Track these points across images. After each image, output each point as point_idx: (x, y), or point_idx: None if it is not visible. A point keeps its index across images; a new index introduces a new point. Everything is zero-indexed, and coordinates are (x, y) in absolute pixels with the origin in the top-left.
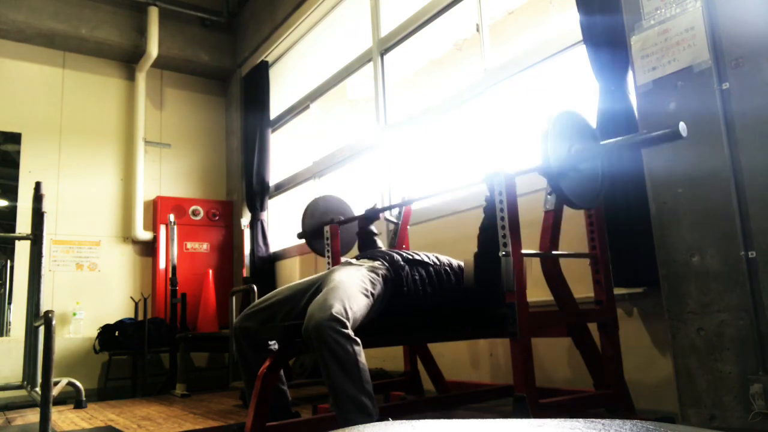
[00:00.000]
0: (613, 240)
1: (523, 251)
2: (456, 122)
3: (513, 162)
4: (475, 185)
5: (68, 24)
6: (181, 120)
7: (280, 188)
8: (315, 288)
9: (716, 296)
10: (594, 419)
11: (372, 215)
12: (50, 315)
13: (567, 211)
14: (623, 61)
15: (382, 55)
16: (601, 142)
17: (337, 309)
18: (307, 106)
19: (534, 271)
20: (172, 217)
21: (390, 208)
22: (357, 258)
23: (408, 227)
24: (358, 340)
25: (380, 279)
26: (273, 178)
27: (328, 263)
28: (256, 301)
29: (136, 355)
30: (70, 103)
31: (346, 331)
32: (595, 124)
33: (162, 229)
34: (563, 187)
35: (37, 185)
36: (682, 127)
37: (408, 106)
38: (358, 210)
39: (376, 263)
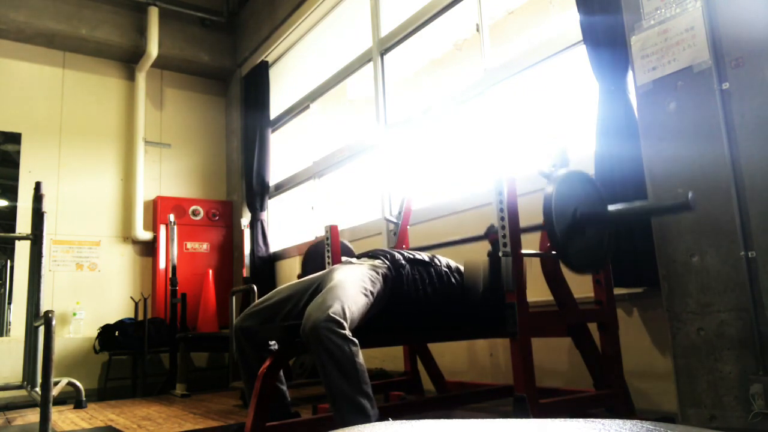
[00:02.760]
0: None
1: (523, 251)
2: (456, 122)
3: (513, 162)
4: (475, 185)
5: (68, 24)
6: (181, 120)
7: (280, 188)
8: (315, 287)
9: (716, 296)
10: (594, 419)
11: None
12: (50, 315)
13: None
14: (623, 61)
15: (382, 55)
16: (609, 208)
17: (334, 309)
18: (307, 106)
19: (534, 271)
20: (172, 217)
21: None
22: (358, 257)
23: (408, 227)
24: (356, 340)
25: (380, 278)
26: (273, 178)
27: (328, 263)
28: (257, 301)
29: (136, 355)
30: (70, 103)
31: (343, 331)
32: (595, 124)
33: (162, 229)
34: (571, 258)
35: (37, 185)
36: (692, 198)
37: (408, 106)
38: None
39: (377, 261)
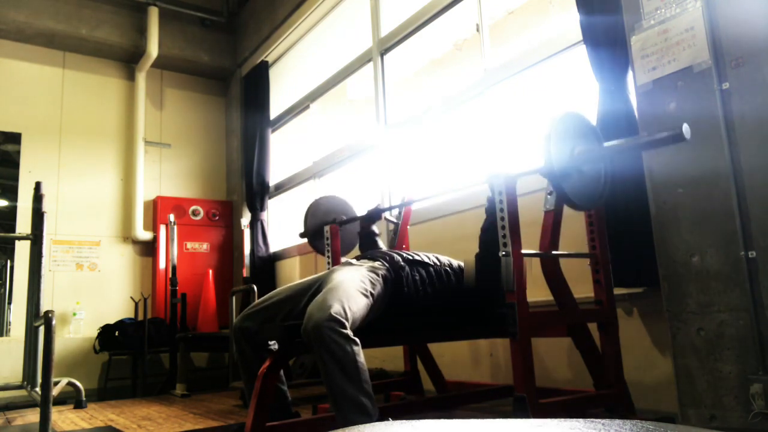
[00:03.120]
0: (613, 240)
1: (523, 251)
2: (456, 122)
3: (514, 162)
4: (475, 185)
5: (68, 24)
6: (181, 120)
7: (280, 188)
8: (315, 288)
9: (716, 296)
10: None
11: (373, 215)
12: (50, 315)
13: (567, 211)
14: (623, 61)
15: (382, 55)
16: (605, 144)
17: (336, 309)
18: (307, 106)
19: (534, 271)
20: (172, 217)
21: (391, 208)
22: (357, 258)
23: (408, 227)
24: (357, 340)
25: (380, 279)
26: (273, 178)
27: (328, 263)
28: (256, 301)
29: (136, 355)
30: (70, 103)
31: (344, 331)
32: (595, 124)
33: (162, 229)
34: (566, 188)
35: (37, 185)
36: (686, 129)
37: (408, 106)
38: (360, 210)
39: (376, 263)
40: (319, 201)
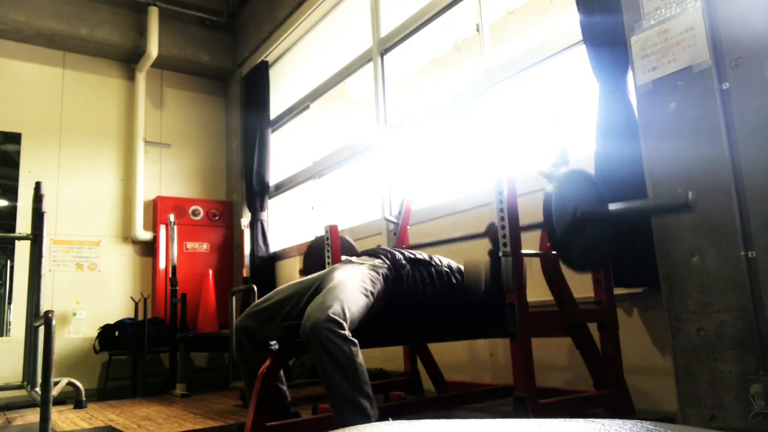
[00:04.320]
0: (613, 240)
1: (523, 251)
2: (456, 122)
3: (513, 162)
4: (475, 185)
5: (68, 24)
6: (181, 120)
7: (280, 188)
8: (315, 287)
9: (716, 296)
10: (594, 419)
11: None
12: (50, 315)
13: None
14: (623, 61)
15: (382, 55)
16: (609, 206)
17: (334, 310)
18: (307, 106)
19: (534, 271)
20: (172, 217)
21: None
22: (358, 256)
23: (408, 227)
24: (356, 340)
25: (381, 278)
26: (273, 178)
27: (328, 263)
28: (257, 300)
29: (136, 355)
30: (70, 103)
31: (343, 332)
32: (595, 124)
33: (162, 229)
34: (572, 258)
35: (37, 185)
36: (692, 198)
37: (408, 106)
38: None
39: (377, 261)
40: (319, 240)
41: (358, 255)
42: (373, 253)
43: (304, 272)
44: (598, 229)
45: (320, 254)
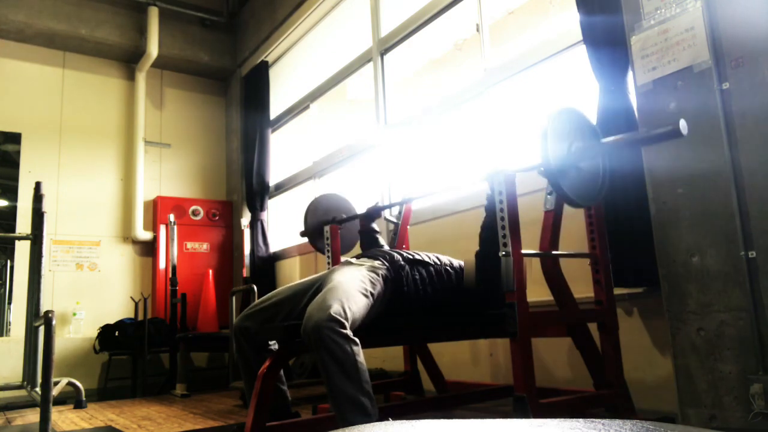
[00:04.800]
0: (613, 240)
1: (523, 251)
2: (456, 122)
3: (513, 161)
4: (475, 185)
5: (68, 24)
6: (181, 120)
7: (280, 188)
8: (315, 288)
9: (716, 296)
10: (594, 419)
11: (373, 214)
12: (50, 315)
13: (567, 210)
14: (623, 61)
15: (382, 55)
16: (602, 140)
17: (335, 309)
18: (307, 106)
19: (534, 271)
20: (172, 217)
21: (390, 206)
22: (357, 257)
23: (408, 227)
24: (357, 340)
25: (380, 279)
26: (273, 178)
27: (328, 263)
28: (257, 301)
29: (136, 355)
30: (70, 103)
31: (344, 331)
32: (595, 122)
33: (162, 229)
34: (564, 185)
35: (37, 185)
36: (683, 124)
37: (408, 106)
38: (360, 208)
39: (377, 263)
40: (318, 199)
41: (356, 257)
42: (372, 255)
43: (304, 233)
44: (593, 163)
45: (320, 210)
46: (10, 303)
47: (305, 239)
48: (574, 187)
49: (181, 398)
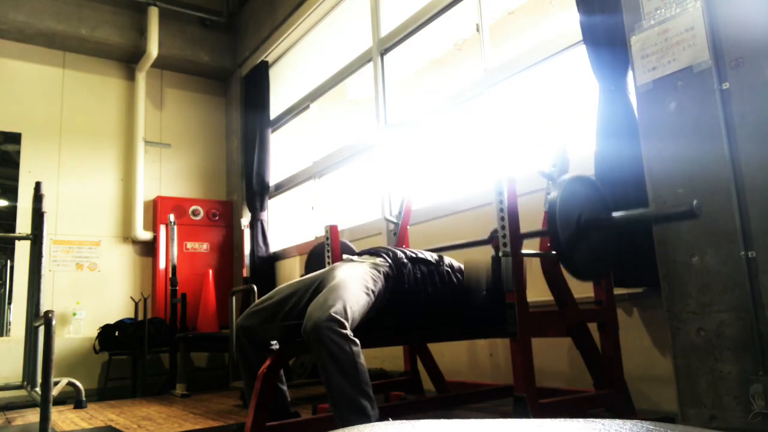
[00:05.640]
0: (613, 240)
1: (523, 251)
2: (456, 122)
3: (513, 162)
4: (474, 185)
5: (68, 24)
6: (181, 120)
7: (280, 188)
8: (316, 285)
9: (716, 296)
10: (594, 419)
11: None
12: (50, 315)
13: None
14: (623, 61)
15: (382, 55)
16: (613, 215)
17: (336, 309)
18: (307, 106)
19: (534, 271)
20: (172, 217)
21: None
22: (359, 254)
23: (408, 227)
24: (357, 340)
25: (381, 276)
26: (273, 178)
27: (328, 263)
28: (257, 300)
29: (136, 355)
30: (70, 103)
31: (344, 331)
32: (595, 125)
33: (162, 229)
34: (576, 260)
35: (37, 185)
36: (697, 206)
37: (408, 106)
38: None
39: (379, 260)
40: (322, 245)
41: (359, 254)
42: (374, 252)
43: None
44: (602, 236)
45: (322, 258)
46: (10, 303)
47: (305, 239)
48: (584, 262)
49: (181, 398)
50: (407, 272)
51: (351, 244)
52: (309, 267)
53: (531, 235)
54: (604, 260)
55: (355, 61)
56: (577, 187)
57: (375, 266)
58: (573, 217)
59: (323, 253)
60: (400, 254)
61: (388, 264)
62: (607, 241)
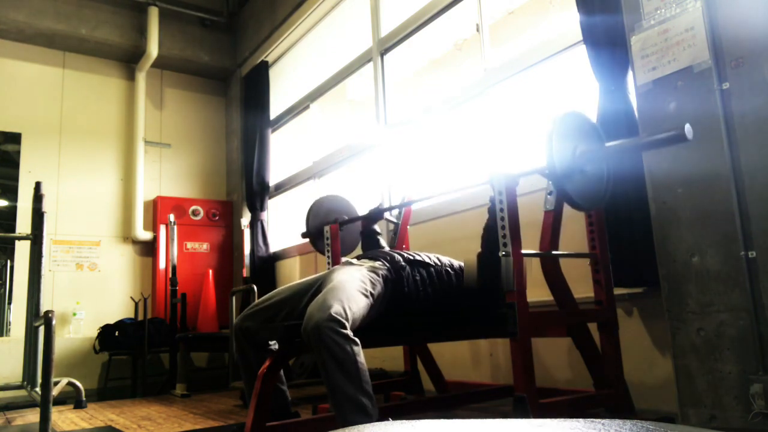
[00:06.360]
0: (613, 240)
1: (523, 251)
2: (456, 122)
3: (514, 162)
4: (475, 185)
5: (68, 24)
6: (181, 120)
7: (280, 188)
8: (315, 288)
9: (716, 296)
10: (594, 419)
11: (375, 215)
12: (50, 315)
13: (567, 211)
14: (623, 61)
15: (382, 55)
16: (606, 144)
17: (336, 309)
18: (307, 106)
19: (534, 271)
20: (172, 217)
21: (391, 209)
22: (358, 258)
23: (408, 227)
24: (357, 340)
25: (380, 279)
26: (273, 178)
27: (328, 263)
28: (257, 301)
29: (136, 355)
30: (70, 103)
31: (344, 331)
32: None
33: (162, 229)
34: (568, 189)
35: (37, 185)
36: (688, 129)
37: (408, 106)
38: (361, 210)
39: (377, 263)
40: (321, 200)
41: (357, 258)
42: (372, 255)
43: (306, 234)
44: (597, 167)
45: (322, 211)
46: (10, 303)
47: (305, 239)
48: (578, 190)
49: (181, 398)
50: (406, 275)
51: (349, 201)
52: (308, 223)
53: (526, 174)
54: (602, 191)
55: (355, 61)
56: (572, 121)
57: (373, 269)
58: (569, 149)
59: (322, 207)
60: (398, 257)
61: (386, 267)
62: (603, 172)
